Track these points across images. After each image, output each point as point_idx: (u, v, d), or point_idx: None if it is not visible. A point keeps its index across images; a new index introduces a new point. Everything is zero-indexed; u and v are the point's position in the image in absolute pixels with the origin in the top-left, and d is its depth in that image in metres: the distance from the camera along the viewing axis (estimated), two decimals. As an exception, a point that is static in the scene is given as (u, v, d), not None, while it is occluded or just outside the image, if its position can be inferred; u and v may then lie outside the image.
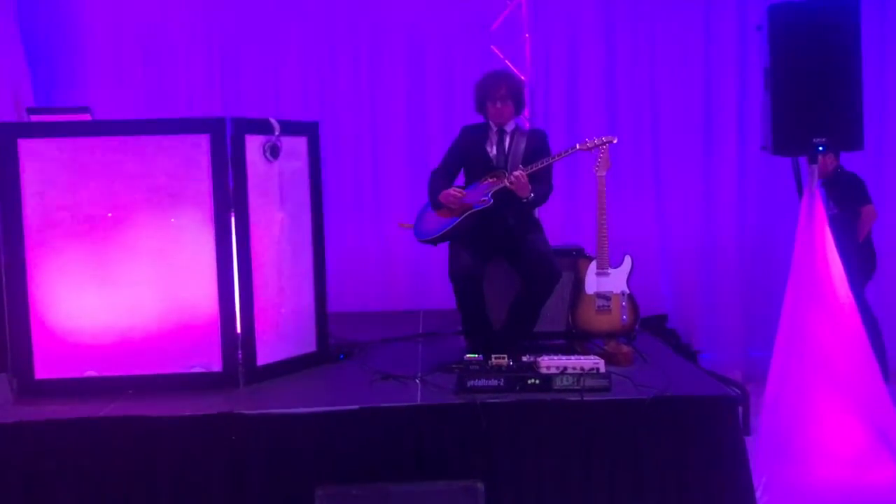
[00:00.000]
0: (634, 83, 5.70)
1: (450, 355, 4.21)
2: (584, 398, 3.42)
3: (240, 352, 3.79)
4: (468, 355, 3.69)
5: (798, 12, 3.52)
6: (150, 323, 3.75)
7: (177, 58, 5.74)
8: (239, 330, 3.79)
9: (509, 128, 4.23)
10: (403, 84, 5.71)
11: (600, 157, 4.18)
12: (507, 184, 3.97)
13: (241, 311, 3.79)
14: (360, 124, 5.75)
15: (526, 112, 4.88)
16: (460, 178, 4.38)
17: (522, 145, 4.18)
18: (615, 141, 4.07)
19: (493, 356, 3.69)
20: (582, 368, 3.52)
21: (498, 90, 4.13)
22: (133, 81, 5.73)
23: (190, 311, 3.77)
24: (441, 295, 5.65)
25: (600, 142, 4.06)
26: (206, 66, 5.71)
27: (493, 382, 3.52)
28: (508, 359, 3.68)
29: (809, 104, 3.56)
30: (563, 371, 3.52)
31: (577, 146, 4.07)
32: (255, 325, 3.84)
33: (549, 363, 3.56)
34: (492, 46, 5.13)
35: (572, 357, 3.62)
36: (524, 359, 3.69)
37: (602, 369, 3.53)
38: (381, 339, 4.66)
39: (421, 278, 5.71)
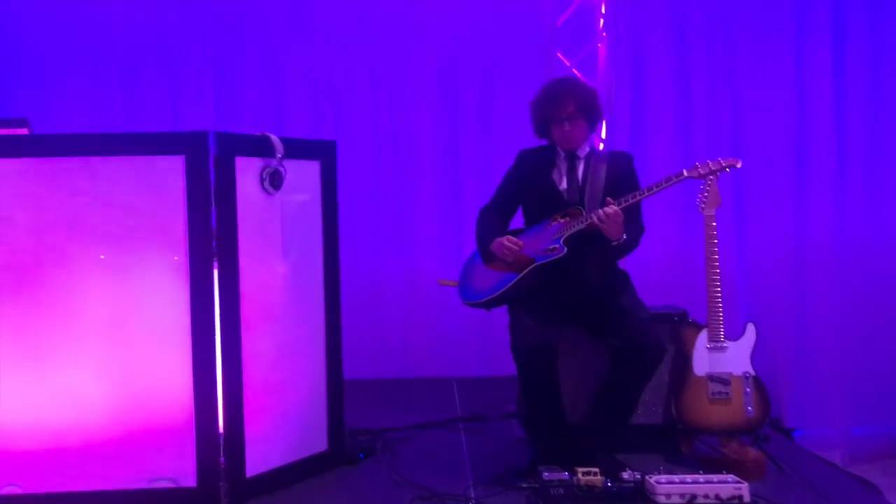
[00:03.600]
0: (713, 86, 4.64)
1: (506, 453, 3.23)
2: (725, 544, 2.34)
3: (222, 458, 2.75)
4: (546, 473, 2.60)
5: None
6: (99, 418, 2.72)
7: (161, 66, 4.70)
8: (222, 427, 2.76)
9: (582, 152, 3.18)
10: (433, 97, 4.66)
11: (707, 190, 3.12)
12: (596, 221, 2.91)
13: (224, 401, 2.76)
14: (378, 147, 4.69)
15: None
16: (518, 219, 3.33)
17: (602, 173, 3.14)
18: (739, 165, 3.01)
19: (579, 471, 2.61)
20: (718, 497, 2.44)
21: (565, 107, 3.09)
22: (107, 95, 4.70)
23: (154, 401, 2.74)
24: (478, 360, 4.62)
25: (718, 166, 3.00)
26: (196, 76, 4.67)
27: (589, 517, 2.44)
28: (602, 474, 2.60)
29: None
30: (692, 501, 2.43)
31: (685, 173, 3.01)
32: (245, 420, 2.80)
33: (668, 488, 2.49)
34: (557, 53, 4.03)
35: (700, 476, 2.55)
36: (625, 475, 2.61)
37: (746, 498, 2.45)
38: (411, 426, 3.57)
39: (453, 339, 4.63)
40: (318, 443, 3.05)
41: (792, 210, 4.70)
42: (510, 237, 3.08)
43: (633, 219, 3.08)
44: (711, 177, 3.09)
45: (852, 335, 4.74)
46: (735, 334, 3.15)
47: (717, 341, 3.07)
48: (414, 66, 4.66)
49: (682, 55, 4.61)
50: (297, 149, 2.98)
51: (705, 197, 3.13)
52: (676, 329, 3.16)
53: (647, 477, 2.57)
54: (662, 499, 2.46)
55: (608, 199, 2.94)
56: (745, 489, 2.47)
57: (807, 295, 4.73)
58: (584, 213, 3.01)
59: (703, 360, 3.07)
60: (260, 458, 2.83)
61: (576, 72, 3.91)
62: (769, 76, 4.61)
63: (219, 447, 2.73)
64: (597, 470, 2.63)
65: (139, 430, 2.71)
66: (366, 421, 3.53)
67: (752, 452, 2.96)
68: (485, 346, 4.56)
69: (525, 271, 2.99)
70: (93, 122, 4.60)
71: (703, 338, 3.09)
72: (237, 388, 2.77)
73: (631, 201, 2.96)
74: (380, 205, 4.69)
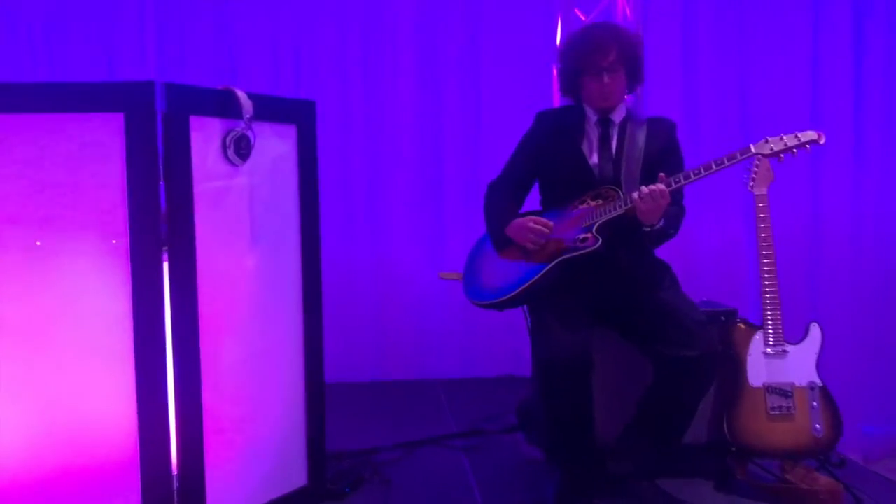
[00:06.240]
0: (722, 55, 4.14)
1: (520, 478, 2.79)
2: None
3: (176, 502, 2.13)
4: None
5: None
6: (15, 453, 2.08)
7: (92, 10, 4.01)
8: (175, 464, 2.14)
9: (617, 116, 2.64)
10: (413, 51, 4.04)
11: (756, 167, 2.62)
12: (637, 200, 2.37)
13: (178, 430, 2.15)
14: (347, 111, 4.06)
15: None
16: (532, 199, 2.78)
17: (641, 143, 2.60)
18: (822, 141, 2.48)
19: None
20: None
21: (606, 54, 2.54)
22: (29, 45, 4.00)
23: (87, 432, 2.11)
24: (464, 359, 4.06)
25: (795, 141, 2.47)
26: (136, 25, 3.99)
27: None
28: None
29: None
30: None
31: (753, 148, 2.48)
32: (205, 454, 2.18)
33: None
34: (575, 9, 3.42)
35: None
36: (689, 520, 2.10)
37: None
38: (401, 444, 3.01)
39: (435, 336, 4.06)
40: (296, 476, 2.45)
41: (809, 199, 4.26)
42: (537, 218, 2.53)
43: (675, 200, 2.55)
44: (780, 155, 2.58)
45: (863, 332, 4.36)
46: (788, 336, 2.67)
47: (775, 345, 2.58)
48: (389, 13, 4.03)
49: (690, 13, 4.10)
50: (269, 109, 2.35)
51: (756, 174, 2.63)
52: (726, 330, 2.65)
53: (719, 523, 2.07)
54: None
55: (661, 174, 2.39)
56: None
57: (820, 290, 4.33)
58: (622, 195, 2.48)
59: (760, 367, 2.58)
60: (223, 499, 2.23)
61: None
62: (785, 52, 4.15)
63: (171, 491, 2.12)
64: (651, 511, 2.11)
65: (68, 469, 2.08)
66: (345, 439, 2.94)
67: (824, 480, 2.48)
68: (471, 343, 4.01)
69: (556, 262, 2.43)
70: (8, 75, 3.90)
71: (758, 341, 2.60)
72: (195, 413, 2.16)
73: (684, 182, 2.42)
74: (349, 180, 4.07)
